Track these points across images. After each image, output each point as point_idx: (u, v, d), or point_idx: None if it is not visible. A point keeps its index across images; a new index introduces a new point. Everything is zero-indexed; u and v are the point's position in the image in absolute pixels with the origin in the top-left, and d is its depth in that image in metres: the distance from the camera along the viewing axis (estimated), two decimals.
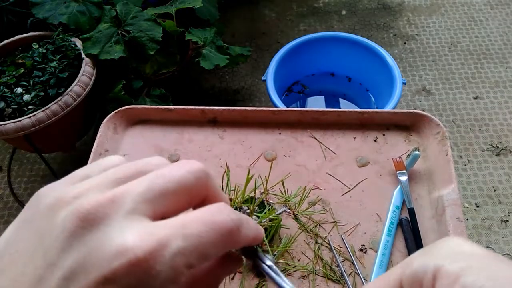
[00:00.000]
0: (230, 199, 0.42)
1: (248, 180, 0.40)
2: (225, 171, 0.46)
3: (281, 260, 0.54)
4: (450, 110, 1.72)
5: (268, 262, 0.27)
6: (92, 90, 1.29)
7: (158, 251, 0.19)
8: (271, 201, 0.61)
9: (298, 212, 0.56)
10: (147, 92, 1.41)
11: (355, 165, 0.69)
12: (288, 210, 0.54)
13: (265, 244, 0.39)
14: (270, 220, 0.45)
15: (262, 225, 0.44)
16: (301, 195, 0.54)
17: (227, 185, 0.42)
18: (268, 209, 0.46)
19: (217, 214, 0.22)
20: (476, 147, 1.60)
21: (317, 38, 1.47)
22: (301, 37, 1.46)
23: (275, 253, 0.44)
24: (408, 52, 1.93)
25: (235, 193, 0.42)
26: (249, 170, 0.44)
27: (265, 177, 0.46)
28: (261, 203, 0.52)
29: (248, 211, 0.42)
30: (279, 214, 0.54)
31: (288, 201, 0.54)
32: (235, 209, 0.41)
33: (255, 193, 0.43)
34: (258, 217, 0.43)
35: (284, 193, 0.55)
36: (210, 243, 0.21)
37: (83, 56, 1.31)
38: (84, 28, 1.34)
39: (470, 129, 1.65)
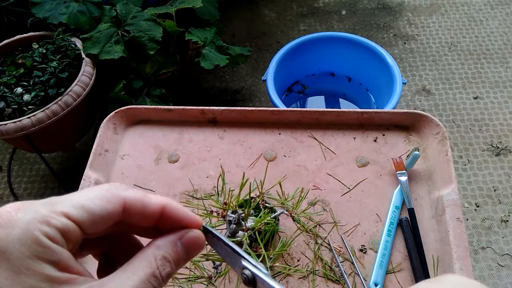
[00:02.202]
0: (225, 203, 0.42)
1: (242, 185, 0.40)
2: (220, 174, 0.46)
3: (277, 264, 0.54)
4: (450, 110, 1.72)
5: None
6: (92, 90, 1.29)
7: None
8: (269, 203, 0.61)
9: (296, 214, 0.56)
10: (147, 92, 1.41)
11: (355, 165, 0.69)
12: (286, 212, 0.54)
13: (260, 248, 0.38)
14: (266, 224, 0.45)
15: (257, 229, 0.43)
16: (299, 196, 0.54)
17: (222, 188, 0.42)
18: (264, 212, 0.45)
19: None
20: (476, 147, 1.60)
21: (317, 38, 1.47)
22: (301, 37, 1.46)
23: (271, 256, 0.44)
24: (408, 52, 1.93)
25: (229, 196, 0.42)
26: (244, 173, 0.44)
27: (260, 180, 0.46)
28: (257, 206, 0.52)
29: (243, 214, 0.41)
30: (277, 215, 0.54)
31: (285, 203, 0.54)
32: (231, 213, 0.41)
33: (249, 196, 0.42)
34: (254, 220, 0.43)
35: (281, 195, 0.55)
36: None
37: (83, 56, 1.31)
38: (84, 28, 1.33)
39: (470, 129, 1.65)
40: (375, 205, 0.64)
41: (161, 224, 0.28)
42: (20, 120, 1.17)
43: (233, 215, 0.41)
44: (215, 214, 0.42)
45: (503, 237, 1.38)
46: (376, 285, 0.56)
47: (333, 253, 0.60)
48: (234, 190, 0.43)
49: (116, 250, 0.30)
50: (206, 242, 0.30)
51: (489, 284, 1.29)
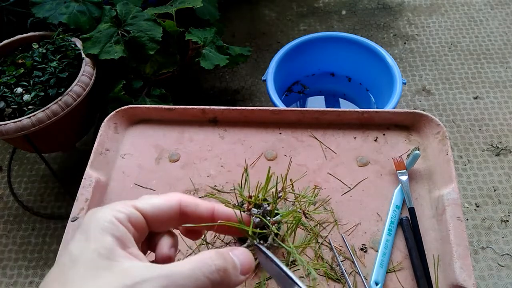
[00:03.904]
0: (250, 197, 0.42)
1: (268, 178, 0.40)
2: (244, 168, 0.46)
3: (299, 256, 0.54)
4: (450, 110, 1.72)
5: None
6: (92, 90, 1.29)
7: None
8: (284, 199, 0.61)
9: (308, 211, 0.56)
10: (147, 92, 1.41)
11: (356, 164, 0.69)
12: (299, 210, 0.54)
13: (287, 241, 0.39)
14: (294, 217, 0.45)
15: (283, 222, 0.44)
16: (311, 194, 0.54)
17: (245, 181, 0.41)
18: (287, 207, 0.46)
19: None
20: (476, 147, 1.60)
21: (317, 38, 1.47)
22: (301, 37, 1.46)
23: (294, 250, 0.44)
24: (408, 52, 1.93)
25: (256, 189, 0.42)
26: (269, 168, 0.44)
27: (285, 174, 0.46)
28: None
29: (269, 208, 0.41)
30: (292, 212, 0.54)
31: (299, 199, 0.54)
32: (255, 206, 0.41)
33: (276, 190, 0.42)
34: (278, 214, 0.43)
35: (293, 192, 0.55)
36: None
37: (83, 56, 1.31)
38: (84, 28, 1.33)
39: (470, 129, 1.65)
40: (376, 204, 0.64)
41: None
42: (20, 120, 1.17)
43: (256, 209, 0.41)
44: (238, 206, 0.42)
45: (503, 237, 1.38)
46: (376, 284, 0.56)
47: (333, 252, 0.60)
48: (235, 189, 0.43)
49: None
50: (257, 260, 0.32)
51: (489, 284, 1.30)
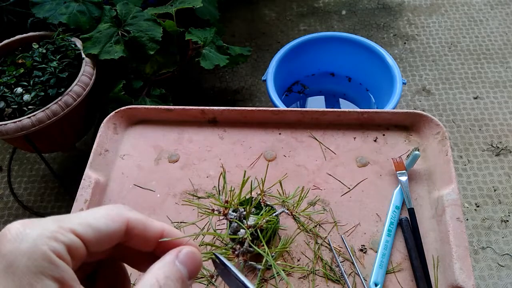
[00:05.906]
0: (227, 201, 0.42)
1: (244, 182, 0.40)
2: (221, 173, 0.46)
3: (279, 262, 0.54)
4: (450, 110, 1.72)
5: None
6: (92, 90, 1.29)
7: None
8: (270, 202, 0.61)
9: (296, 212, 0.56)
10: (147, 92, 1.41)
11: (355, 165, 0.69)
12: (287, 211, 0.54)
13: (262, 245, 0.38)
14: (267, 221, 0.45)
15: (259, 226, 0.44)
16: (299, 195, 0.54)
17: (223, 187, 0.42)
18: (265, 210, 0.46)
19: None
20: (476, 147, 1.60)
21: (317, 38, 1.47)
22: (301, 37, 1.46)
23: (273, 254, 0.44)
24: (408, 52, 1.93)
25: (231, 194, 0.42)
26: (245, 171, 0.44)
27: (261, 178, 0.47)
28: (258, 204, 0.52)
29: (245, 212, 0.41)
30: (278, 214, 0.54)
31: (286, 202, 0.54)
32: (232, 211, 0.41)
33: (251, 194, 0.42)
34: (255, 219, 0.43)
35: (282, 193, 0.55)
36: None
37: (83, 56, 1.31)
38: (84, 28, 1.33)
39: (470, 129, 1.65)
40: (375, 205, 0.64)
41: (159, 250, 0.28)
42: (20, 120, 1.17)
43: (234, 213, 0.41)
44: (216, 212, 0.42)
45: (503, 237, 1.38)
46: (376, 285, 0.56)
47: (333, 253, 0.60)
48: (234, 189, 0.43)
49: (104, 278, 0.30)
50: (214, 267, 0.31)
51: (489, 284, 1.29)
